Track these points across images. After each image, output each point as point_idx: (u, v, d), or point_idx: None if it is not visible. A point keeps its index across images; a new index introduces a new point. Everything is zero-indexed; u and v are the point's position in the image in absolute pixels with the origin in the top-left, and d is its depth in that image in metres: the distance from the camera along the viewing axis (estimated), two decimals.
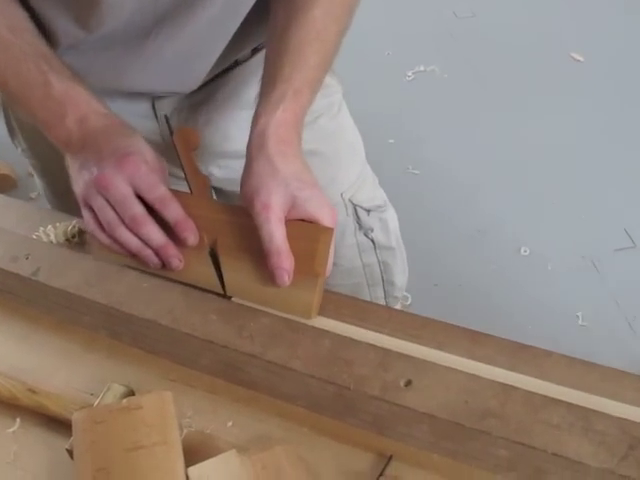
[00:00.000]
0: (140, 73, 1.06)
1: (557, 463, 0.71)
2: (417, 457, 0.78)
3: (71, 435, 0.75)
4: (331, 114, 1.29)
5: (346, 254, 1.34)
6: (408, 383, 0.77)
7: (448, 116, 3.14)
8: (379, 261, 1.39)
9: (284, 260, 0.84)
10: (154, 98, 1.16)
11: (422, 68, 3.47)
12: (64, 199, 1.10)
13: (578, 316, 2.32)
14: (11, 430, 0.84)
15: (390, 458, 0.78)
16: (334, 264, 1.32)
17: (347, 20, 1.02)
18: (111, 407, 0.78)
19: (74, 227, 1.06)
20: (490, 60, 3.44)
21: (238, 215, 0.90)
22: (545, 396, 0.76)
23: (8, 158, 2.70)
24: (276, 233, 0.84)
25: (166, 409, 0.76)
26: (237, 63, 1.17)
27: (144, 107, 1.16)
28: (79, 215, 0.94)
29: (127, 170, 0.86)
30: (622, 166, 2.84)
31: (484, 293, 2.39)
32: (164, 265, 0.90)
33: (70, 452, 0.76)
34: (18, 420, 0.85)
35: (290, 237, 0.85)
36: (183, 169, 0.97)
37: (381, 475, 0.76)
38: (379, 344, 0.82)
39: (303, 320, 0.87)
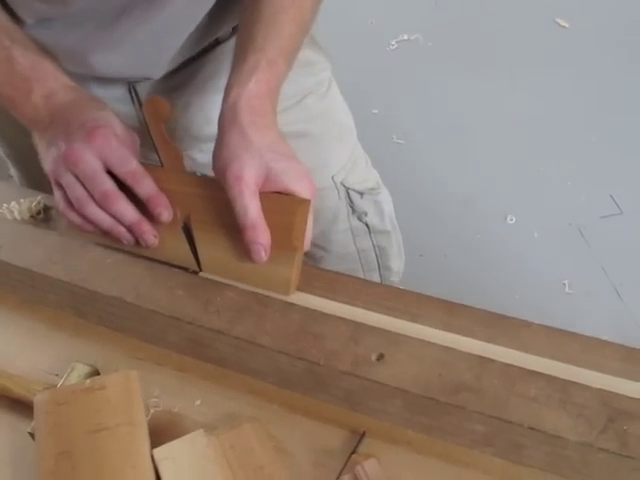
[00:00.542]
0: (112, 54, 1.01)
1: (534, 437, 0.69)
2: (391, 433, 0.76)
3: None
4: (319, 93, 1.24)
5: (340, 239, 1.31)
6: (380, 357, 0.74)
7: (432, 85, 3.10)
8: (374, 246, 1.35)
9: (260, 235, 0.81)
10: (130, 82, 1.11)
11: (406, 37, 3.42)
12: (40, 187, 1.06)
13: (565, 284, 2.30)
14: None
15: (363, 435, 0.76)
16: (326, 250, 1.30)
17: None
18: (74, 388, 0.75)
19: (39, 203, 1.03)
20: (474, 28, 3.39)
21: (212, 189, 0.87)
22: (522, 368, 0.73)
23: None
24: (250, 207, 0.80)
25: (131, 389, 0.74)
26: (217, 42, 1.12)
27: (120, 91, 1.11)
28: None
29: (96, 144, 0.83)
30: (608, 133, 2.81)
31: (470, 263, 2.37)
32: (138, 242, 0.87)
33: (33, 435, 0.74)
34: None
35: (266, 211, 0.82)
36: (153, 141, 0.94)
37: (354, 452, 0.74)
38: (351, 317, 0.80)
39: (272, 294, 0.84)
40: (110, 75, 1.05)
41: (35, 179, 1.20)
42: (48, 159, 0.87)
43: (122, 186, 0.84)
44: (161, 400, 0.81)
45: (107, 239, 0.89)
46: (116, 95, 1.09)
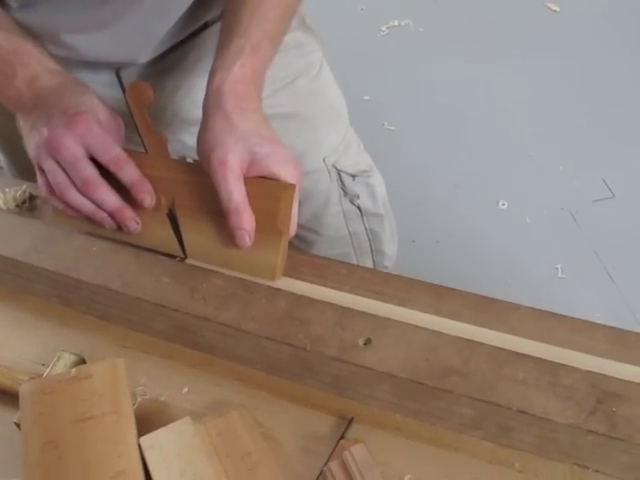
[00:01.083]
0: (98, 37, 0.99)
1: (523, 420, 0.68)
2: (379, 418, 0.75)
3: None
4: (310, 75, 1.23)
5: (331, 223, 1.31)
6: (367, 342, 0.74)
7: (423, 71, 3.09)
8: (366, 229, 1.34)
9: (244, 220, 0.80)
10: (118, 66, 1.09)
11: (396, 23, 3.41)
12: (29, 175, 1.05)
13: (557, 268, 2.30)
14: None
15: (351, 420, 0.75)
16: (318, 234, 1.29)
17: None
18: (60, 377, 0.74)
19: (24, 192, 1.02)
20: (464, 13, 3.38)
21: (196, 174, 0.86)
22: (511, 351, 0.73)
23: None
24: (235, 191, 0.80)
25: (117, 377, 0.73)
26: (206, 25, 1.11)
27: (107, 76, 1.09)
28: None
29: (78, 130, 0.82)
30: (600, 116, 2.81)
31: (462, 248, 2.36)
32: (121, 228, 0.87)
33: (19, 425, 0.73)
34: None
35: (250, 195, 0.81)
36: (137, 127, 0.92)
37: (342, 438, 0.73)
38: (339, 302, 0.79)
39: (259, 280, 0.83)
40: (96, 59, 1.04)
41: (24, 167, 1.19)
42: (31, 144, 0.86)
43: (106, 172, 0.84)
44: (148, 388, 0.81)
45: (90, 224, 0.88)
46: (103, 79, 1.08)
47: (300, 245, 1.33)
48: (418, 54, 3.21)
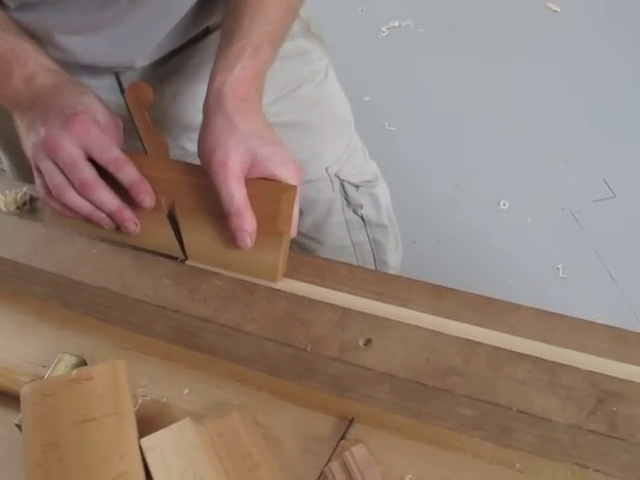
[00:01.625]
0: (96, 40, 0.99)
1: (523, 420, 0.68)
2: (380, 419, 0.75)
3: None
4: (315, 82, 1.22)
5: (334, 232, 1.30)
6: (367, 342, 0.74)
7: (424, 72, 3.09)
8: (370, 239, 1.33)
9: (245, 221, 0.80)
10: (117, 70, 1.08)
11: (397, 24, 3.41)
12: (32, 177, 1.05)
13: (559, 268, 2.30)
14: None
15: (352, 421, 0.75)
16: (321, 243, 1.28)
17: None
18: (61, 379, 0.75)
19: (25, 194, 1.02)
20: (465, 13, 3.38)
21: (197, 175, 0.86)
22: (511, 351, 0.73)
23: None
24: (236, 193, 0.79)
25: (118, 379, 0.73)
26: (208, 31, 1.11)
27: (108, 80, 1.08)
28: None
29: (75, 131, 0.81)
30: (600, 116, 2.81)
31: (463, 249, 2.36)
32: (119, 228, 0.86)
33: (20, 427, 0.73)
34: None
35: (251, 197, 0.81)
36: (136, 128, 0.92)
37: (342, 438, 0.73)
38: (340, 303, 0.79)
39: (259, 281, 0.83)
40: (92, 62, 1.03)
41: (27, 170, 1.19)
42: (28, 144, 0.86)
43: (104, 173, 0.83)
44: (149, 389, 0.81)
45: (89, 225, 0.87)
46: (103, 84, 1.07)
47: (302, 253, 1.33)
48: (419, 55, 3.21)
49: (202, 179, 0.84)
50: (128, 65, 1.06)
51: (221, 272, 0.84)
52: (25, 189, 1.02)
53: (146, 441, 0.69)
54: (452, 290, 0.83)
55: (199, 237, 0.86)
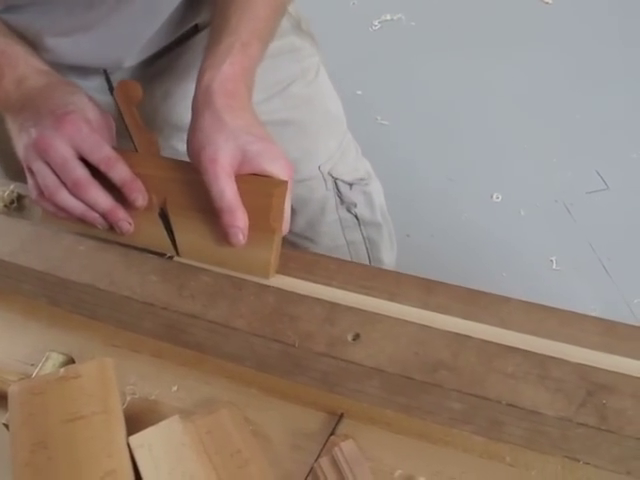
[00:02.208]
0: (83, 40, 0.98)
1: (513, 414, 0.68)
2: (369, 414, 0.75)
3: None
4: (306, 80, 1.21)
5: (328, 231, 1.29)
6: (356, 337, 0.74)
7: (416, 65, 3.08)
8: (364, 238, 1.32)
9: (237, 218, 0.79)
10: (106, 71, 1.07)
11: (388, 17, 3.40)
12: (21, 178, 1.04)
13: (552, 260, 2.30)
14: None
15: (341, 416, 0.75)
16: (315, 242, 1.27)
17: None
18: (48, 377, 0.75)
19: (12, 192, 1.02)
20: (457, 6, 3.37)
21: (188, 172, 0.85)
22: (500, 344, 0.73)
23: None
24: (226, 190, 0.79)
25: (106, 376, 0.73)
26: (197, 29, 1.10)
27: (97, 81, 1.06)
28: None
29: (66, 131, 0.81)
30: (593, 108, 2.80)
31: (457, 242, 2.36)
32: (112, 227, 0.86)
33: (7, 426, 0.73)
34: None
35: (242, 193, 0.80)
36: (126, 126, 0.92)
37: (332, 434, 0.73)
38: (328, 298, 0.79)
39: (247, 277, 0.82)
40: (79, 62, 1.03)
41: (16, 170, 1.18)
42: (19, 145, 0.85)
43: (96, 173, 0.82)
44: (138, 387, 0.80)
45: (82, 225, 0.87)
46: (93, 85, 1.06)
47: None
48: (410, 48, 3.20)
49: (193, 176, 0.83)
50: (116, 65, 1.05)
51: (209, 268, 0.84)
52: (12, 187, 1.02)
53: (134, 439, 0.69)
54: (441, 283, 0.83)
55: (191, 235, 0.86)
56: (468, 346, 0.72)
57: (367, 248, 1.34)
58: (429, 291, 0.82)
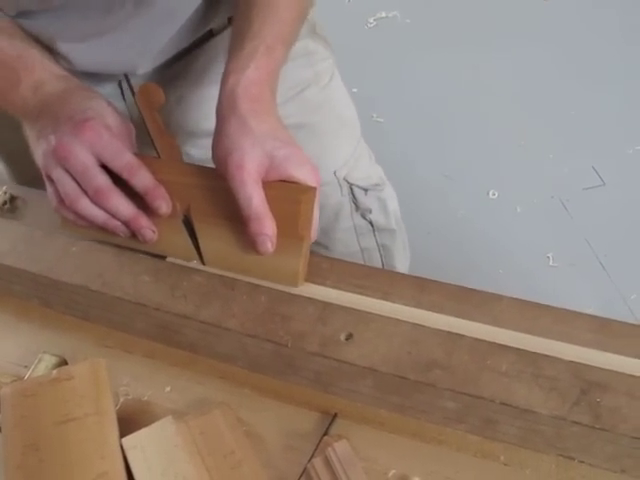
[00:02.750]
0: (97, 46, 0.97)
1: (507, 412, 0.68)
2: (363, 413, 0.75)
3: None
4: (320, 85, 1.20)
5: (342, 238, 1.27)
6: (349, 337, 0.73)
7: (411, 62, 3.08)
8: (378, 245, 1.31)
9: (265, 225, 0.77)
10: (119, 77, 1.06)
11: (384, 14, 3.40)
12: (32, 184, 1.02)
13: (549, 257, 2.30)
14: None
15: (335, 416, 0.75)
16: (328, 249, 1.25)
17: None
18: (41, 379, 0.74)
19: (5, 194, 1.01)
20: (452, 3, 3.36)
21: (212, 178, 0.82)
22: (493, 343, 0.72)
23: None
24: (254, 196, 0.76)
25: (99, 378, 0.73)
26: (212, 34, 1.08)
27: (109, 87, 1.05)
28: None
29: (87, 137, 0.78)
30: (588, 104, 2.80)
31: (453, 239, 2.36)
32: (135, 235, 0.83)
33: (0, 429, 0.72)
34: None
35: (270, 200, 0.78)
36: (148, 131, 0.90)
37: (325, 434, 0.73)
38: (321, 297, 0.79)
39: (239, 277, 0.82)
40: (96, 70, 1.01)
41: (25, 175, 1.16)
42: (38, 153, 0.83)
43: (117, 179, 0.80)
44: (130, 388, 0.80)
45: (103, 233, 0.85)
46: (105, 91, 1.03)
47: None
48: (406, 45, 3.20)
49: (218, 182, 0.81)
50: (131, 71, 1.03)
51: (201, 268, 0.83)
52: (5, 188, 1.01)
53: (127, 440, 0.69)
54: (434, 282, 0.83)
55: (216, 242, 0.83)
56: (461, 345, 0.72)
57: (381, 255, 1.32)
58: (422, 289, 0.82)
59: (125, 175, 0.79)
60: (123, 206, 0.80)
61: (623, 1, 3.30)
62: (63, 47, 0.94)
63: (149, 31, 0.98)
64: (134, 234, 0.83)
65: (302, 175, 0.80)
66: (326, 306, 0.77)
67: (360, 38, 3.27)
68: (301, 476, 0.69)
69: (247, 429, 0.74)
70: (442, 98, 2.89)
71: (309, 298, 0.78)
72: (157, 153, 0.89)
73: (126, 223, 0.82)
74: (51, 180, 0.82)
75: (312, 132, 1.18)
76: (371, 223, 1.28)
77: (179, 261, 0.84)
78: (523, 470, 0.70)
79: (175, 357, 0.82)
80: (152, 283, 0.82)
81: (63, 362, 0.80)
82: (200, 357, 0.82)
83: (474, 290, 0.81)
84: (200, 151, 1.11)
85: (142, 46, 1.00)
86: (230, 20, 1.07)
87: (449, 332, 0.74)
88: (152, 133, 0.90)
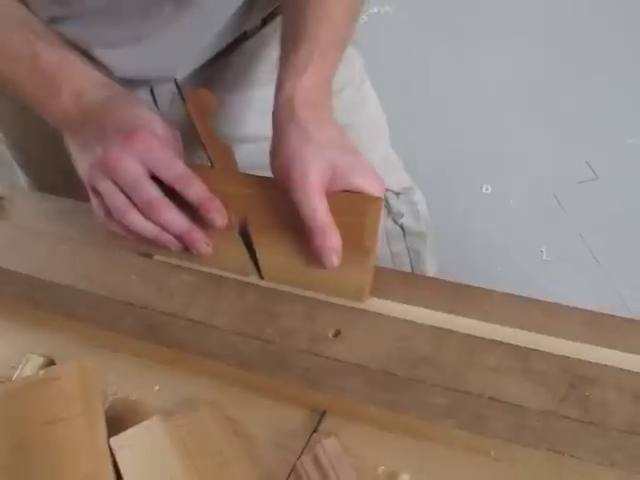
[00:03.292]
0: (134, 53, 0.94)
1: (496, 407, 0.67)
2: (352, 410, 0.74)
3: None
4: (354, 86, 1.18)
5: None
6: (337, 334, 0.73)
7: (405, 58, 3.07)
8: (408, 249, 1.27)
9: (330, 238, 0.74)
10: (152, 83, 1.02)
11: (376, 10, 3.39)
12: (54, 192, 0.99)
13: (542, 251, 2.30)
14: None
15: (324, 413, 0.74)
16: None
17: None
18: (28, 380, 0.74)
19: None
20: None
21: (270, 188, 0.79)
22: (482, 338, 0.72)
23: None
24: (319, 208, 0.73)
25: (86, 378, 0.73)
26: (246, 36, 1.05)
27: (141, 94, 1.02)
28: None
29: (136, 147, 0.75)
30: (582, 98, 2.80)
31: (447, 234, 2.34)
32: (187, 248, 0.80)
33: None
34: None
35: (334, 211, 0.74)
36: (200, 139, 0.88)
37: (315, 431, 0.72)
38: (309, 294, 0.79)
39: (227, 274, 0.82)
40: (128, 75, 0.97)
41: (48, 184, 1.13)
42: (82, 164, 0.80)
43: (167, 190, 0.77)
44: (119, 387, 0.79)
45: (153, 247, 0.82)
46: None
47: None
48: (399, 41, 3.19)
49: (276, 192, 0.78)
50: (167, 77, 1.01)
51: (189, 266, 0.83)
52: None
53: (115, 440, 0.69)
54: (424, 277, 0.83)
55: (276, 256, 0.80)
56: (451, 341, 0.72)
57: (411, 259, 1.29)
58: (411, 285, 0.82)
59: (178, 186, 0.76)
60: (176, 219, 0.77)
61: None
62: (98, 53, 0.92)
63: (188, 35, 0.95)
64: (186, 248, 0.80)
65: (367, 185, 0.77)
66: (314, 303, 0.77)
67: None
68: (290, 474, 0.69)
69: (236, 427, 0.74)
70: (435, 93, 2.89)
71: (297, 295, 0.78)
72: (210, 162, 0.86)
73: (179, 237, 0.78)
74: (97, 193, 0.79)
75: (348, 131, 1.17)
76: (402, 227, 1.25)
77: (167, 259, 0.84)
78: (513, 465, 0.69)
79: (164, 356, 0.82)
80: (139, 282, 0.81)
81: (51, 362, 0.80)
82: (189, 355, 0.81)
83: (464, 285, 0.81)
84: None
85: (180, 51, 0.98)
86: (264, 21, 1.05)
87: (438, 328, 0.73)
88: (204, 141, 0.87)
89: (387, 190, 1.19)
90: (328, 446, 0.67)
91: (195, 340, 0.79)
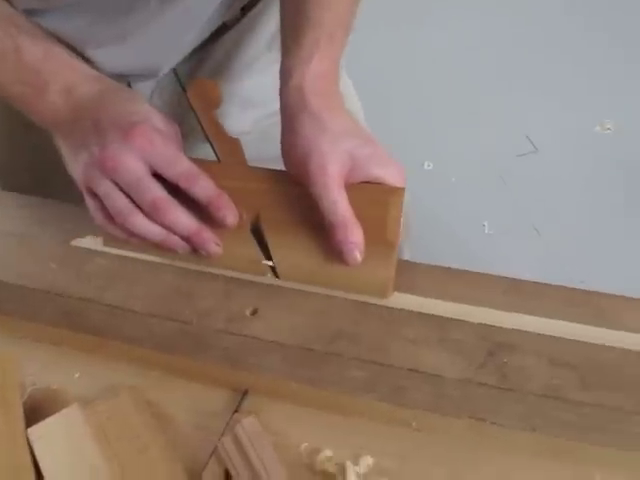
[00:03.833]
0: (117, 50, 0.89)
1: (414, 378, 0.68)
2: (274, 388, 0.73)
3: None
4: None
5: None
6: (254, 312, 0.73)
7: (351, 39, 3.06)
8: None
9: (352, 233, 0.70)
10: (129, 79, 0.97)
11: None
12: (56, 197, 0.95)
13: (484, 225, 2.32)
14: None
15: (245, 393, 0.73)
16: None
17: None
18: None
19: None
20: None
21: (283, 182, 0.75)
22: (401, 310, 0.73)
23: None
24: (339, 201, 0.70)
25: (4, 369, 0.71)
26: (225, 27, 1.00)
27: None
28: None
29: (137, 144, 0.70)
30: (520, 71, 2.82)
31: None
32: (195, 250, 0.76)
33: None
34: None
35: (354, 204, 0.70)
36: (205, 133, 0.85)
37: (236, 411, 0.72)
38: (226, 273, 0.78)
39: (143, 256, 0.80)
40: (113, 71, 0.90)
41: (20, 185, 1.06)
42: (77, 165, 0.74)
43: (170, 188, 0.72)
44: (39, 377, 0.77)
45: (157, 250, 0.78)
46: None
47: None
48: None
49: (288, 186, 0.75)
50: (154, 72, 0.97)
51: (105, 250, 0.81)
52: None
53: (33, 431, 0.67)
54: None
55: (292, 253, 0.76)
56: (368, 314, 0.72)
57: None
58: None
59: (183, 184, 0.71)
60: (183, 219, 0.73)
61: None
62: (80, 49, 0.87)
63: (173, 29, 0.91)
64: (194, 250, 0.76)
65: (388, 175, 0.73)
66: (230, 281, 0.76)
67: None
68: (211, 455, 0.68)
69: (156, 411, 0.72)
70: (375, 69, 2.88)
71: (213, 274, 0.77)
72: (216, 156, 0.84)
73: (187, 238, 0.74)
74: (94, 195, 0.74)
75: None
76: None
77: (84, 244, 0.82)
78: (435, 434, 0.69)
79: (83, 343, 0.80)
80: (58, 269, 0.80)
81: None
82: (108, 341, 0.79)
83: None
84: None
85: (166, 46, 0.94)
86: (243, 11, 1.01)
87: (357, 301, 0.73)
88: (210, 134, 0.84)
89: None
90: (247, 425, 0.67)
91: (113, 325, 0.77)
